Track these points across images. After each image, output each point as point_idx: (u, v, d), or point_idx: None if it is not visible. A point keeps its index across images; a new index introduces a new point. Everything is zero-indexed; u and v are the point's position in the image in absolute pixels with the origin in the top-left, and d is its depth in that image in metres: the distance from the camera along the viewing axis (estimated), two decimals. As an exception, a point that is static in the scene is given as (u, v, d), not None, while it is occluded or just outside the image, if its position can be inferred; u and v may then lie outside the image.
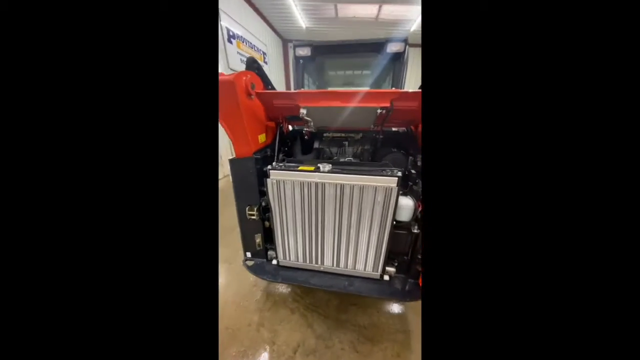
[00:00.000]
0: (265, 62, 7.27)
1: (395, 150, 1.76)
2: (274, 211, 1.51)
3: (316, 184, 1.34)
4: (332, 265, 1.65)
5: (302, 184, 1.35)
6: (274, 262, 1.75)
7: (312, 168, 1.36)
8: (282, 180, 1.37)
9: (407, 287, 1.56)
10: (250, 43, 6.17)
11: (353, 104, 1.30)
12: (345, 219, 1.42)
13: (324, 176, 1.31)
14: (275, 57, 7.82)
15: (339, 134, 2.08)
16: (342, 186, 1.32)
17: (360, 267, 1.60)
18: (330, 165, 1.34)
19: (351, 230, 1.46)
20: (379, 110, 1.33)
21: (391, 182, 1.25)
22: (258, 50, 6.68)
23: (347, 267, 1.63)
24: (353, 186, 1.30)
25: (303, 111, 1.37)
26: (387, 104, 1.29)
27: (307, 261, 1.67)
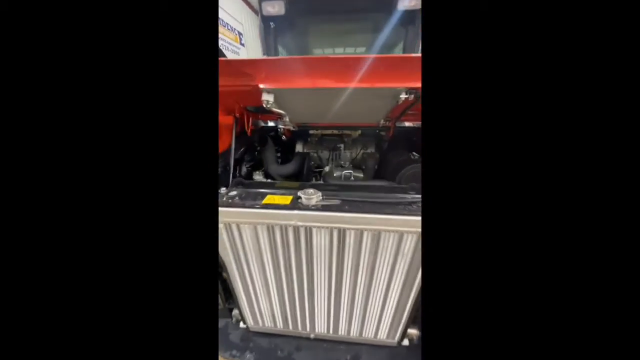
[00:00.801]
0: (242, 44, 6.35)
1: (415, 155, 1.20)
2: (228, 265, 0.92)
3: (296, 229, 0.76)
4: (327, 332, 1.11)
5: (271, 228, 0.77)
6: (242, 325, 1.18)
7: (289, 199, 0.77)
8: (235, 223, 0.78)
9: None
10: (222, 21, 5.25)
11: (359, 83, 0.71)
12: (348, 276, 0.87)
13: (310, 216, 0.73)
14: (253, 39, 6.87)
15: (330, 131, 1.49)
16: (342, 232, 0.75)
17: (369, 334, 1.08)
18: (319, 194, 0.76)
19: (357, 291, 0.92)
20: (403, 95, 0.75)
21: (430, 224, 0.69)
22: (232, 29, 5.77)
23: (349, 335, 1.10)
24: (362, 232, 0.74)
25: (268, 98, 0.76)
26: (419, 83, 0.71)
27: (290, 326, 1.12)
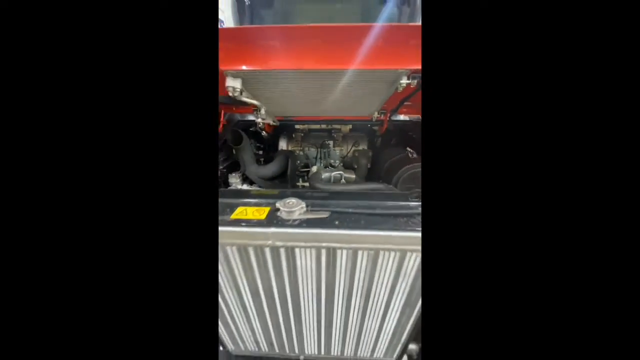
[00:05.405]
0: (223, 32, 5.93)
1: (413, 154, 1.07)
2: (197, 292, 0.76)
3: (275, 249, 0.61)
4: (318, 353, 0.99)
5: (243, 248, 0.61)
6: (221, 348, 1.04)
7: (264, 212, 0.61)
8: (196, 243, 0.62)
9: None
10: (199, 4, 4.82)
11: (352, 64, 0.55)
12: (340, 299, 0.74)
13: (291, 234, 0.58)
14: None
15: (317, 125, 1.34)
16: (332, 252, 0.61)
17: (365, 353, 0.97)
18: (302, 204, 0.61)
19: (352, 313, 0.79)
20: (404, 81, 0.60)
21: (438, 240, 0.57)
22: (211, 15, 5.34)
23: (343, 354, 0.98)
24: (356, 251, 0.60)
25: (233, 84, 0.59)
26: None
27: (277, 349, 0.99)
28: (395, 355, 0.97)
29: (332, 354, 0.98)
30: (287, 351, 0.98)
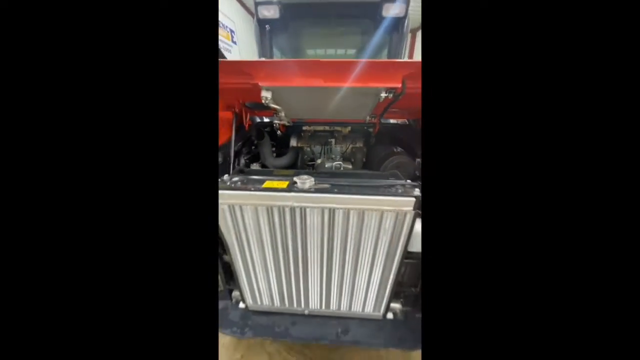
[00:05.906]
0: (234, 42, 6.35)
1: (398, 149, 1.34)
2: (230, 246, 1.02)
3: (292, 209, 0.87)
4: (320, 308, 1.23)
5: (269, 209, 0.88)
6: (241, 305, 1.28)
7: (285, 184, 0.88)
8: (238, 204, 0.88)
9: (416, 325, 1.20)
10: (214, 18, 5.22)
11: (344, 83, 0.83)
12: (337, 253, 0.99)
13: (304, 198, 0.84)
14: (247, 38, 6.88)
15: (322, 127, 1.61)
16: (332, 211, 0.87)
17: (357, 308, 1.21)
18: (313, 179, 0.87)
19: (346, 267, 1.04)
20: (383, 94, 0.87)
21: (406, 204, 0.83)
22: (224, 26, 5.77)
23: (340, 309, 1.22)
24: (349, 211, 0.86)
25: (266, 94, 0.87)
26: (397, 84, 0.84)
27: (286, 304, 1.23)
28: (381, 311, 1.20)
29: (331, 308, 1.22)
30: (295, 306, 1.22)
